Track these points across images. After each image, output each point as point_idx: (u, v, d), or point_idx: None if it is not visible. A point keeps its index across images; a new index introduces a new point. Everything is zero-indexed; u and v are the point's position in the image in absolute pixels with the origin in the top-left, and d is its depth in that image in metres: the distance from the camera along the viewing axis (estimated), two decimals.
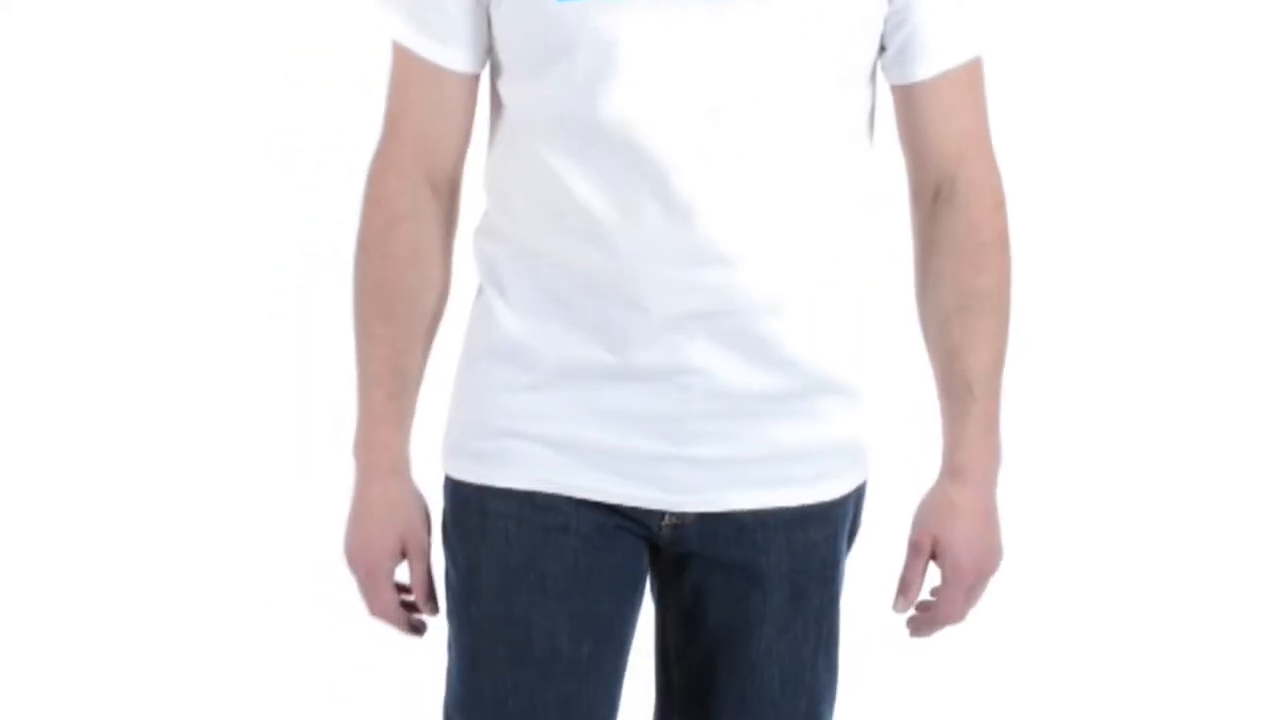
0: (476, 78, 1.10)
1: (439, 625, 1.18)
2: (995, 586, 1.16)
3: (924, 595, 1.14)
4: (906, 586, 1.13)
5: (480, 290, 1.11)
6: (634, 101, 0.98)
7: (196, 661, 3.07)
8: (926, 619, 1.14)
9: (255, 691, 2.99)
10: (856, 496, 1.12)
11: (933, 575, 1.16)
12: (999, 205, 1.08)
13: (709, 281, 0.99)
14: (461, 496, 1.08)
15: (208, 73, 3.27)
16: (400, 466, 1.10)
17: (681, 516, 1.05)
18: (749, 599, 1.07)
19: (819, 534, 1.08)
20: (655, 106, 0.97)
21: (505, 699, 1.00)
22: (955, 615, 1.12)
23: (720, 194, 0.98)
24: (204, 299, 3.32)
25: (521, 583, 1.02)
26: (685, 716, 1.13)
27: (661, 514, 1.05)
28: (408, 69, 1.09)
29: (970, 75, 1.07)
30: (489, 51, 1.07)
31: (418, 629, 1.13)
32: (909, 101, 1.08)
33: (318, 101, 3.31)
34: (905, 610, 1.14)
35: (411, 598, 1.12)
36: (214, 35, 3.27)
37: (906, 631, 1.16)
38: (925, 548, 1.11)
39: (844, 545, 1.12)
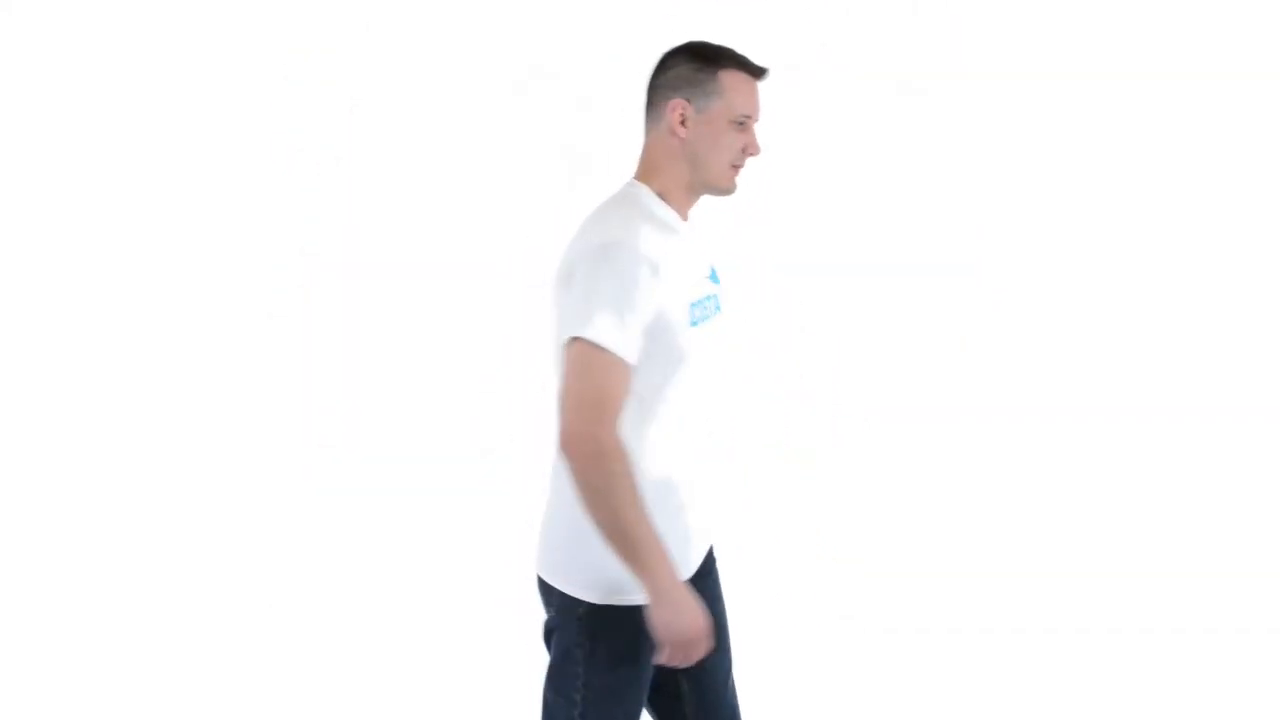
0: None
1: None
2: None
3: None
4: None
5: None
6: (693, 380, 2.04)
7: (194, 661, 3.08)
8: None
9: (255, 691, 3.00)
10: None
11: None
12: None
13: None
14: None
15: (207, 73, 3.28)
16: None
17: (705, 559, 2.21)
18: (717, 584, 2.19)
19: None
20: (700, 380, 2.06)
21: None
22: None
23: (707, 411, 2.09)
24: (204, 299, 3.33)
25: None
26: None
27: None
28: (616, 365, 1.97)
29: None
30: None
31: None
32: None
33: (318, 101, 3.33)
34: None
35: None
36: (214, 35, 3.27)
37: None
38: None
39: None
